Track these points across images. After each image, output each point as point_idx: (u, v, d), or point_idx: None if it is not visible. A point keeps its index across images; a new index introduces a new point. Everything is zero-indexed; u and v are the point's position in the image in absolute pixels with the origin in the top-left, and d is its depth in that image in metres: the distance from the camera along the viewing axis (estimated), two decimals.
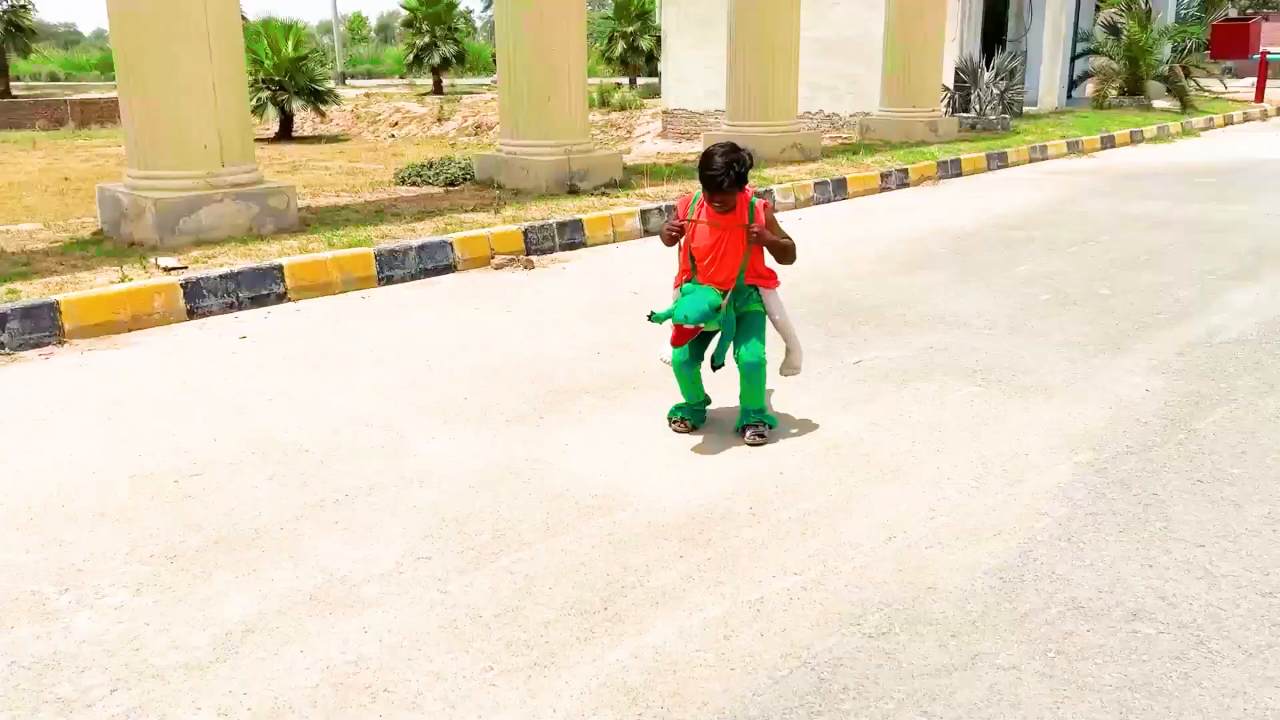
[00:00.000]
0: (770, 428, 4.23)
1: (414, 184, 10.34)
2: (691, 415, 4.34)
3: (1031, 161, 13.86)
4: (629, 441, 4.19)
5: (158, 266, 6.43)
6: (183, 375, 5.09)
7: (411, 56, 31.23)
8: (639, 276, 7.20)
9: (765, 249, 4.17)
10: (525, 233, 7.90)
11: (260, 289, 6.44)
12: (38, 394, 4.83)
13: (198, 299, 6.16)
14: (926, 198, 10.93)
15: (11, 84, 32.57)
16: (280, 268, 6.55)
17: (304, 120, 24.24)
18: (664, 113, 21.67)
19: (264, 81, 21.32)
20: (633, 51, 32.45)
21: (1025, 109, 18.88)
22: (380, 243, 7.20)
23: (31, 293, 5.84)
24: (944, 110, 16.06)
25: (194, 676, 2.64)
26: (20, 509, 3.60)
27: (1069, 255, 7.79)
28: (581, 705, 2.52)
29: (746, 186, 4.03)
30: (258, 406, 4.63)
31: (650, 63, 31.02)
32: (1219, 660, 2.67)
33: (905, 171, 11.70)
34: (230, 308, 6.29)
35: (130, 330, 5.84)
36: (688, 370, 4.25)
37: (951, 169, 12.37)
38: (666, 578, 3.11)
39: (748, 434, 4.16)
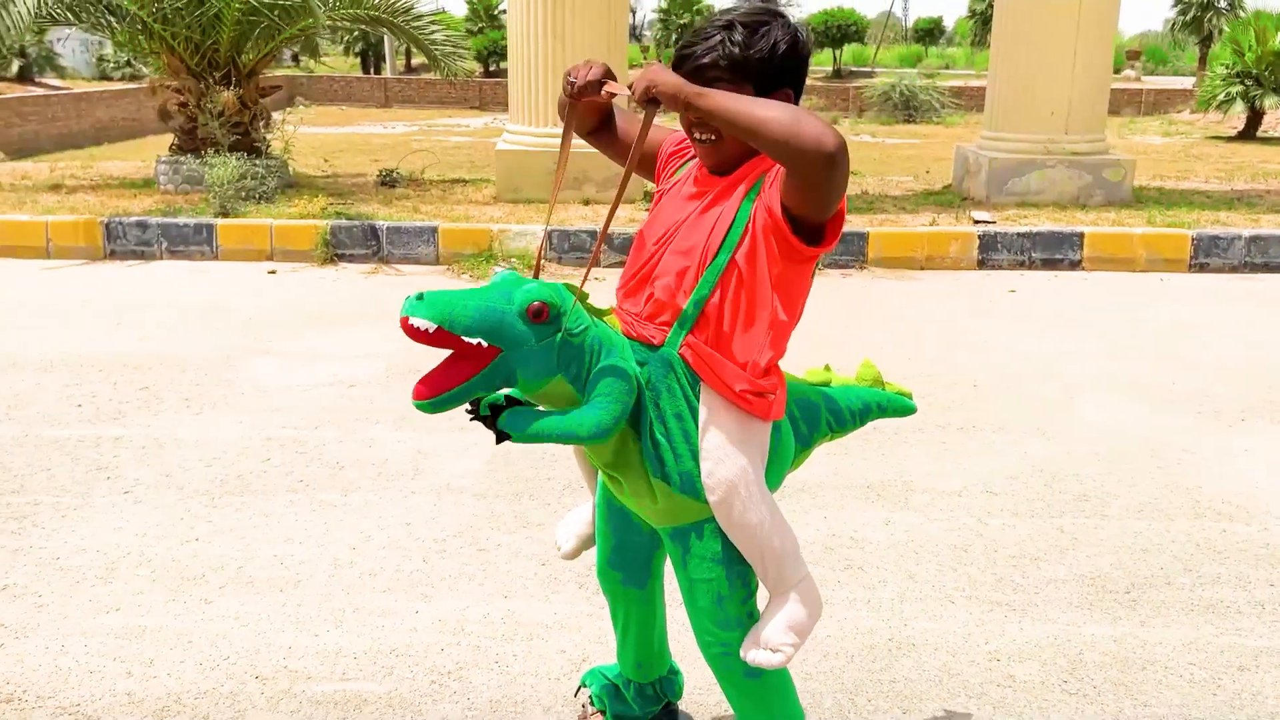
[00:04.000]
0: None
1: None
2: (613, 700, 2.03)
3: None
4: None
5: (969, 218, 6.92)
6: (898, 307, 5.57)
7: None
8: None
9: (772, 283, 1.58)
10: None
11: (1055, 253, 6.52)
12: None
13: (990, 251, 6.52)
14: None
15: None
16: (1080, 235, 6.53)
17: (1277, 120, 22.08)
18: None
19: (1238, 75, 20.02)
20: None
21: None
22: (1204, 227, 6.65)
23: (859, 223, 6.81)
24: None
25: None
26: None
27: None
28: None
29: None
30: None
31: None
32: None
33: None
34: (1020, 265, 6.52)
35: (921, 269, 6.48)
36: (624, 583, 1.92)
37: None
38: None
39: None
